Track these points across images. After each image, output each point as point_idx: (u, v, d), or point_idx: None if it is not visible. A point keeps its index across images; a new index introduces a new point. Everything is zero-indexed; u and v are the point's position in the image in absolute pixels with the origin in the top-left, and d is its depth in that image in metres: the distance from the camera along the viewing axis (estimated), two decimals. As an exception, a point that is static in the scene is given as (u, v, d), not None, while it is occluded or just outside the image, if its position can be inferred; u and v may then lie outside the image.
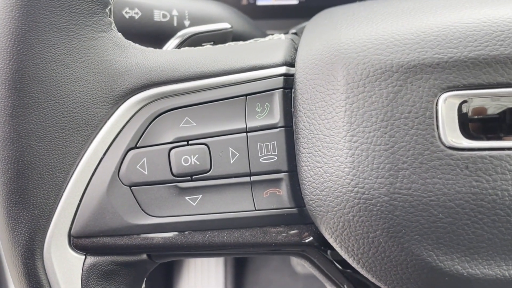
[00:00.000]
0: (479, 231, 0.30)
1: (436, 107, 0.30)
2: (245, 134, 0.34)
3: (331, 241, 0.34)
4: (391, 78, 0.31)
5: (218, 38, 0.41)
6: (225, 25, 0.41)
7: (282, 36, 0.41)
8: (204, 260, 1.03)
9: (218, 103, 0.34)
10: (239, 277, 1.05)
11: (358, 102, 0.31)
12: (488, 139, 0.30)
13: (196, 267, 1.06)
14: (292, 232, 0.35)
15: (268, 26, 0.81)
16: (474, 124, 0.30)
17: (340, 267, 0.38)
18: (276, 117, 0.34)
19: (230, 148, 0.34)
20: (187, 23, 0.48)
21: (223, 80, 0.34)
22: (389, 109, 0.31)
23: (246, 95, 0.34)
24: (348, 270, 0.38)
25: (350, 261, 0.34)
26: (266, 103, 0.34)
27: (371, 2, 0.41)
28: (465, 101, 0.30)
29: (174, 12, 0.48)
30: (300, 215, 0.34)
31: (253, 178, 0.34)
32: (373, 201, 0.31)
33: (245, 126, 0.34)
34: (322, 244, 0.36)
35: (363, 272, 0.33)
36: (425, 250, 0.31)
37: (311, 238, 0.36)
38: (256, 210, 0.34)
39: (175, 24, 0.48)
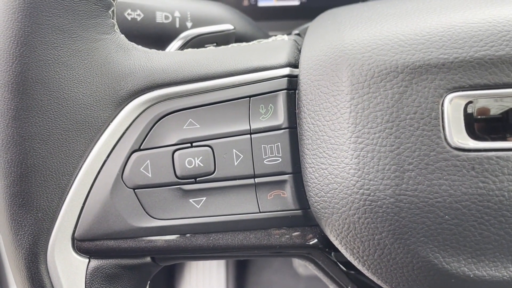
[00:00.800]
0: (485, 233, 0.30)
1: (441, 108, 0.30)
2: (249, 135, 0.34)
3: (336, 243, 0.33)
4: (396, 79, 0.31)
5: (221, 39, 0.41)
6: (227, 26, 0.41)
7: (285, 37, 0.40)
8: (206, 261, 1.03)
9: (221, 105, 0.34)
10: (241, 279, 1.05)
11: (363, 103, 0.31)
12: (494, 139, 0.30)
13: (198, 268, 1.05)
14: (296, 234, 0.35)
15: (269, 27, 0.81)
16: (480, 125, 0.30)
17: (344, 269, 0.38)
18: (280, 118, 0.34)
19: (234, 150, 0.33)
20: (189, 24, 0.48)
21: (226, 81, 0.34)
22: (394, 110, 0.30)
23: (249, 96, 0.34)
24: (353, 272, 0.38)
25: (355, 263, 0.33)
26: (270, 105, 0.34)
27: (375, 3, 0.41)
28: (470, 102, 0.30)
29: (176, 14, 0.48)
30: (304, 217, 0.34)
31: (257, 180, 0.34)
32: (378, 202, 0.31)
33: (249, 127, 0.34)
34: (326, 246, 0.36)
35: (368, 274, 0.33)
36: (431, 252, 0.30)
37: (316, 240, 0.35)
38: (260, 212, 0.34)
39: (177, 25, 0.48)
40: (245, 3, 0.82)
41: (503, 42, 0.30)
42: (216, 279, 1.04)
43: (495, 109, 0.30)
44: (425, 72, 0.30)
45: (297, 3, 0.82)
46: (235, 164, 0.33)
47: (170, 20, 0.47)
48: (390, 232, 0.31)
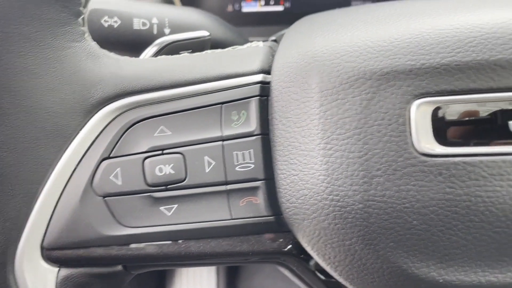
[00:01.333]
0: (453, 238, 0.30)
1: (409, 114, 0.30)
2: (221, 142, 0.34)
3: (308, 249, 0.33)
4: (364, 85, 0.31)
5: (196, 46, 0.41)
6: (203, 33, 0.41)
7: (260, 43, 0.41)
8: (197, 267, 1.02)
9: (193, 112, 0.34)
10: (232, 284, 1.05)
11: (332, 109, 0.31)
12: (462, 145, 0.30)
13: (188, 274, 1.05)
14: (270, 240, 0.35)
15: (254, 33, 0.81)
16: (447, 131, 0.30)
17: (320, 275, 0.38)
18: (253, 125, 0.34)
19: (206, 157, 0.33)
20: (167, 31, 0.48)
21: (198, 88, 0.34)
22: (362, 116, 0.31)
23: (222, 103, 0.34)
24: (328, 279, 0.38)
25: (327, 269, 0.33)
26: (243, 111, 0.34)
27: (351, 9, 0.41)
28: (439, 108, 0.30)
29: (154, 20, 0.48)
30: (277, 223, 0.34)
31: (229, 186, 0.33)
32: (348, 208, 0.31)
33: (221, 134, 0.34)
34: (301, 252, 0.36)
35: (341, 280, 0.33)
36: (401, 258, 0.30)
37: (290, 246, 0.35)
38: (232, 219, 0.34)
39: (155, 32, 0.48)
40: (229, 8, 0.82)
41: (470, 48, 0.30)
42: (206, 284, 1.03)
43: (463, 114, 0.30)
44: (393, 78, 0.30)
45: (281, 8, 0.82)
46: (207, 171, 0.33)
47: (147, 26, 0.47)
48: (360, 238, 0.31)
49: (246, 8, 0.82)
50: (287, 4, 0.83)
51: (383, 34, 0.32)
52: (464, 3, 0.34)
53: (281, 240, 0.35)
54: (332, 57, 0.32)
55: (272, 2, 0.83)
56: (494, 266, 0.30)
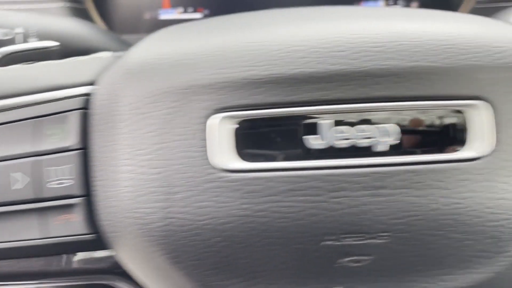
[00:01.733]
0: (255, 255, 0.29)
1: (208, 129, 0.29)
2: (35, 158, 0.32)
3: (128, 268, 0.32)
4: (167, 100, 0.30)
5: (42, 57, 0.40)
6: (48, 43, 0.40)
7: (106, 53, 0.40)
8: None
9: (5, 127, 0.33)
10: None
11: (137, 124, 0.30)
12: (262, 160, 0.29)
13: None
14: (91, 259, 0.34)
15: (171, 40, 0.80)
16: (249, 145, 0.29)
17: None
18: (71, 139, 0.33)
19: (16, 173, 0.32)
20: (33, 41, 0.47)
21: (13, 102, 0.33)
22: (164, 131, 0.30)
23: (38, 117, 0.33)
24: None
25: (150, 286, 0.32)
26: (61, 125, 0.33)
27: (207, 20, 0.40)
28: (241, 122, 0.29)
29: (18, 30, 0.46)
30: (99, 241, 0.33)
31: (41, 204, 0.32)
32: (151, 226, 0.30)
33: (33, 150, 0.32)
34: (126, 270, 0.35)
35: None
36: (203, 276, 0.30)
37: (114, 264, 0.34)
38: (44, 238, 0.32)
39: (19, 42, 0.46)
40: (146, 16, 0.81)
41: (273, 62, 0.29)
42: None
43: (265, 129, 0.30)
44: (195, 93, 0.30)
45: (199, 16, 0.81)
46: (17, 188, 0.32)
47: (10, 36, 0.46)
48: (166, 256, 0.30)
49: (164, 16, 0.81)
50: (206, 12, 0.82)
51: (192, 48, 0.31)
52: (283, 17, 0.34)
53: (104, 259, 0.34)
54: (141, 70, 0.31)
55: (190, 10, 0.82)
56: (299, 283, 0.30)
